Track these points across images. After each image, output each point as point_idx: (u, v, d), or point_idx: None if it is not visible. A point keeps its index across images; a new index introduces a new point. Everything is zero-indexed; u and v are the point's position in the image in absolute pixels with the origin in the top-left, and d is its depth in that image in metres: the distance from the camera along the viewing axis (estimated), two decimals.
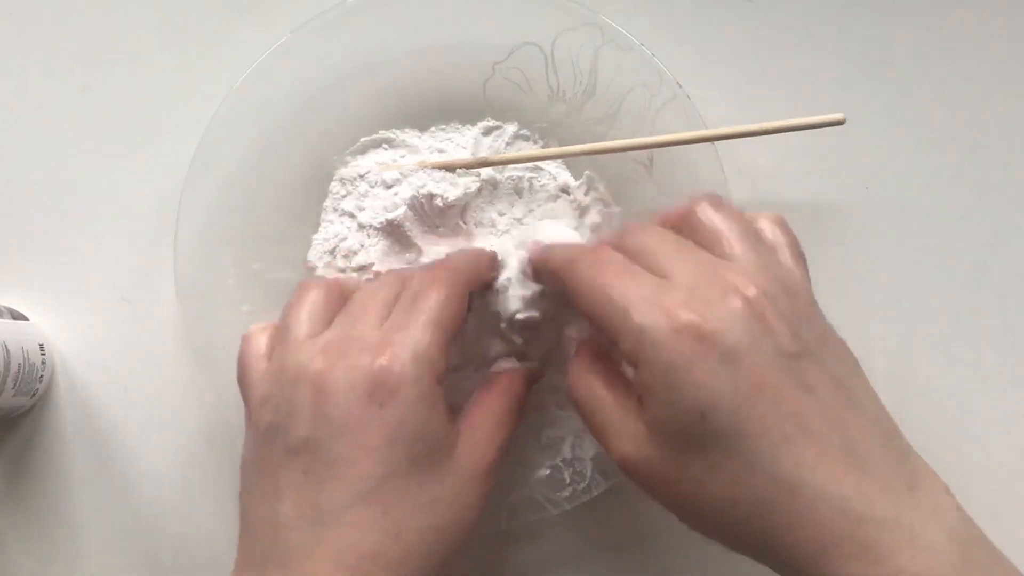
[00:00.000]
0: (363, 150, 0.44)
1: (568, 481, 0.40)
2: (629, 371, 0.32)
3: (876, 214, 0.46)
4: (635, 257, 0.33)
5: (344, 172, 0.43)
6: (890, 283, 0.45)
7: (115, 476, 0.44)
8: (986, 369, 0.45)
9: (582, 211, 0.43)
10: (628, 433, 0.32)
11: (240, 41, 0.47)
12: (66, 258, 0.46)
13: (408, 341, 0.33)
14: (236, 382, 0.38)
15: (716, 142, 0.42)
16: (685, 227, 0.34)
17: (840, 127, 0.40)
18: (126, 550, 0.44)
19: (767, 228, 0.34)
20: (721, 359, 0.29)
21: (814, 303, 0.33)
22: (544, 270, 0.37)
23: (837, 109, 0.41)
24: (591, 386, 0.34)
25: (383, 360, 0.33)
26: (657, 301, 0.30)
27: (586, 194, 0.43)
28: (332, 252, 0.43)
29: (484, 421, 0.36)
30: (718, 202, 0.34)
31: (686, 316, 0.29)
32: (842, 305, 0.44)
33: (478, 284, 0.38)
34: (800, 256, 0.34)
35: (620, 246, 0.34)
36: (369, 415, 0.32)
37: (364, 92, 0.44)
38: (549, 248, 0.37)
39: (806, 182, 0.46)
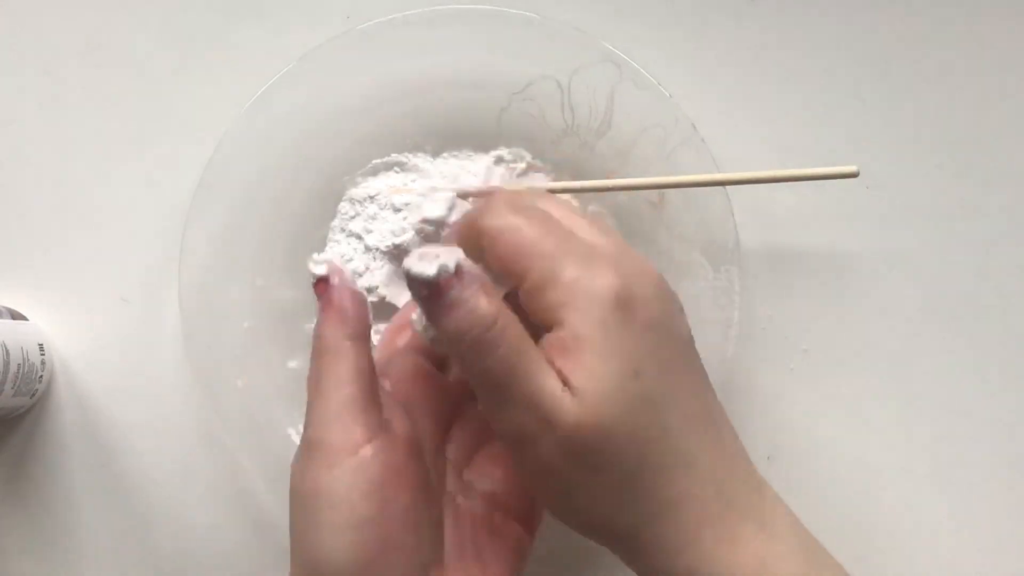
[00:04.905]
0: (374, 172, 0.43)
1: None
2: None
3: (888, 262, 0.46)
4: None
5: (354, 192, 0.43)
6: (901, 332, 0.46)
7: (115, 476, 0.45)
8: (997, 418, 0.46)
9: None
10: (554, 392, 0.30)
11: (242, 41, 0.46)
12: (66, 258, 0.45)
13: None
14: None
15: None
16: None
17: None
18: (126, 550, 0.44)
19: None
20: (648, 327, 0.30)
21: None
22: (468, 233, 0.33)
23: (855, 161, 0.41)
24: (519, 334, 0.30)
25: None
26: (589, 259, 0.30)
27: None
28: None
29: None
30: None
31: (617, 280, 0.30)
32: (848, 353, 0.45)
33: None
34: None
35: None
36: None
37: (378, 114, 0.43)
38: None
39: (818, 227, 0.46)
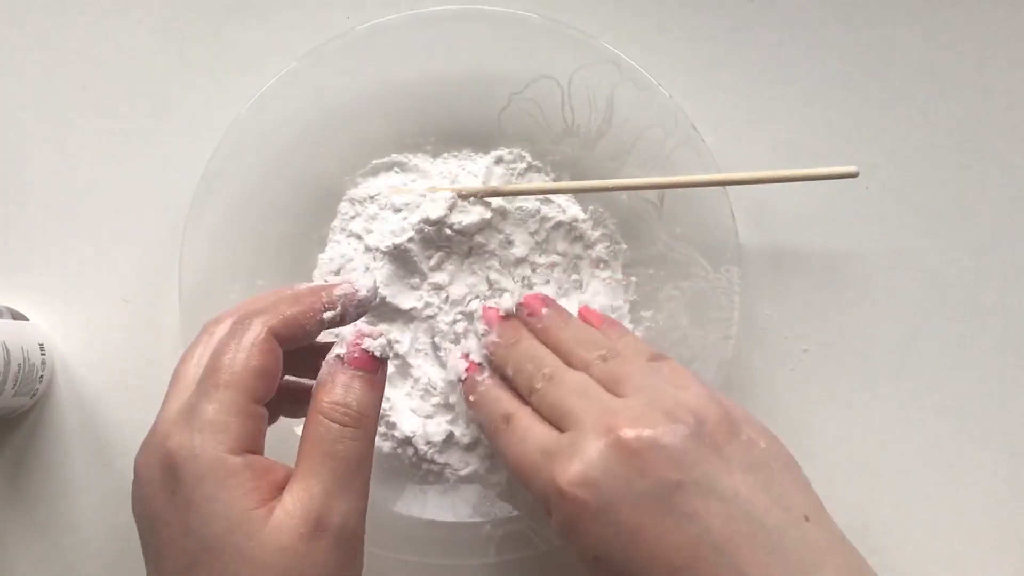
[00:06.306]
0: (375, 172, 0.44)
1: None
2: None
3: (888, 262, 0.46)
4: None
5: (355, 193, 0.43)
6: (901, 332, 0.46)
7: (115, 476, 0.45)
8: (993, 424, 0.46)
9: (587, 245, 0.44)
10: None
11: (242, 41, 0.47)
12: (66, 258, 0.46)
13: (192, 415, 0.30)
14: None
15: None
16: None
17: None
18: (126, 550, 0.44)
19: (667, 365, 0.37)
20: (602, 511, 0.32)
21: (724, 417, 0.34)
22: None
23: (855, 161, 0.41)
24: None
25: (169, 442, 0.30)
26: (551, 460, 0.33)
27: (593, 228, 0.44)
28: (337, 272, 0.43)
29: (309, 475, 0.31)
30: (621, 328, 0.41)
31: (569, 476, 0.32)
32: (848, 353, 0.46)
33: (289, 329, 0.33)
34: (699, 381, 0.36)
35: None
36: (165, 504, 0.30)
37: (379, 115, 0.43)
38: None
39: (818, 227, 0.46)
